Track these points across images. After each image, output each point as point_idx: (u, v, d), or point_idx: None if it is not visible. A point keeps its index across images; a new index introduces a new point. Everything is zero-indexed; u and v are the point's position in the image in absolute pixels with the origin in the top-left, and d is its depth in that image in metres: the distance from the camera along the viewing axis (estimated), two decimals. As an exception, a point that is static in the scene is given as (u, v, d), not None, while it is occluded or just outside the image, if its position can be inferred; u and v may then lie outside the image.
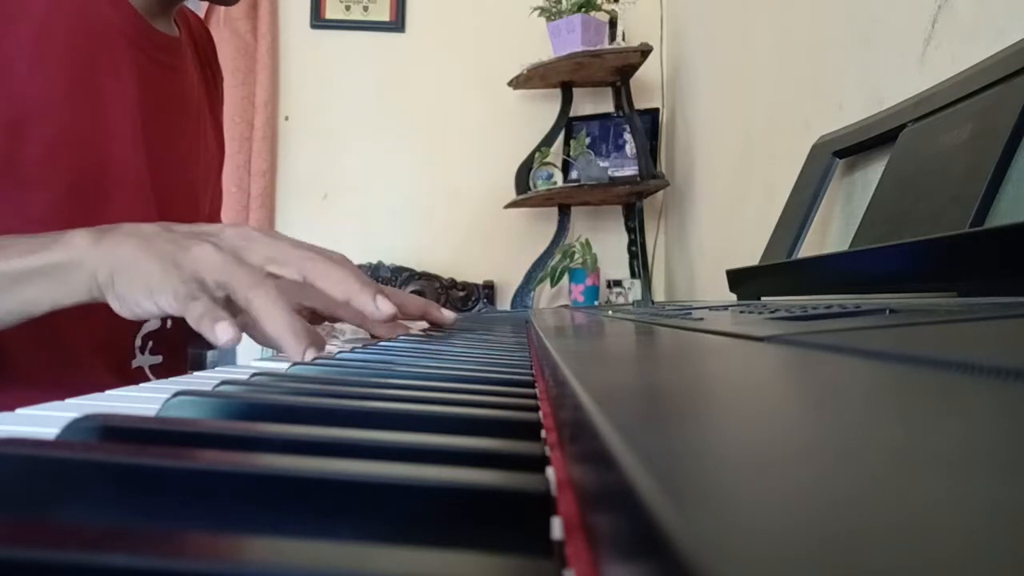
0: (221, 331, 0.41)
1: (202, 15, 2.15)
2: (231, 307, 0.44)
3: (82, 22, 0.59)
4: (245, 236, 0.47)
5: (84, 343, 0.60)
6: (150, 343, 0.68)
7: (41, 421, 0.23)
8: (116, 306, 0.45)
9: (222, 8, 2.15)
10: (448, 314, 0.76)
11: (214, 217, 0.85)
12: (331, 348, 0.58)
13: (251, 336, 0.57)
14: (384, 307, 0.48)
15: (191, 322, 0.42)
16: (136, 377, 0.66)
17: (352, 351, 0.50)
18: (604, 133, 2.12)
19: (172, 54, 0.70)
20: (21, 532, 0.11)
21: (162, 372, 0.69)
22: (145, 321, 0.66)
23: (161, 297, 0.43)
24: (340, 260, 0.49)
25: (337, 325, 0.85)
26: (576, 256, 2.04)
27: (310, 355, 0.43)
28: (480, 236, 2.27)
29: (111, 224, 0.47)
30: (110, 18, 0.62)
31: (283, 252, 0.47)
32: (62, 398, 0.29)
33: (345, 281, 0.47)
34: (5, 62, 0.54)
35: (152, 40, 0.66)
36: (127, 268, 0.44)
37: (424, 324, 0.79)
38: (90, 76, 0.59)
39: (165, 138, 0.68)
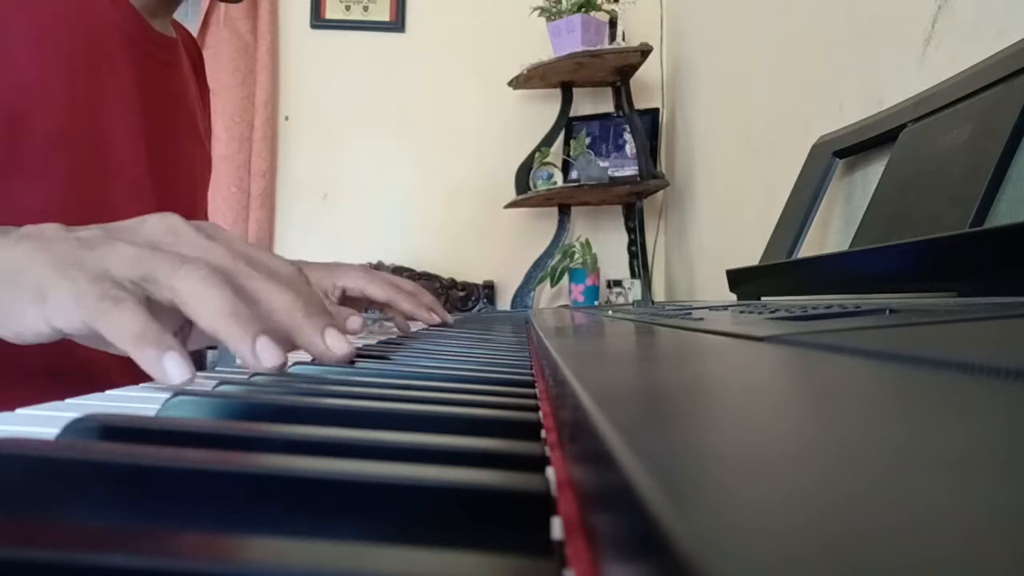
0: (171, 364, 0.30)
1: (202, 15, 2.15)
2: (163, 316, 0.33)
3: (81, 18, 0.60)
4: (171, 229, 0.36)
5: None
6: None
7: (41, 421, 0.23)
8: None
9: (222, 8, 2.15)
10: (437, 318, 0.80)
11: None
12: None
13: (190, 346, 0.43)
14: (336, 345, 0.36)
15: (113, 338, 0.31)
16: (142, 373, 0.66)
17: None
18: (604, 133, 2.12)
19: (170, 53, 0.70)
20: (21, 532, 0.11)
21: None
22: None
23: (53, 305, 0.32)
24: (290, 277, 0.37)
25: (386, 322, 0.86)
26: (576, 256, 2.04)
27: (267, 355, 0.32)
28: (480, 236, 2.27)
29: (111, 212, 0.40)
30: (109, 15, 0.62)
31: (216, 254, 0.35)
32: (71, 395, 0.29)
33: (290, 308, 0.35)
34: (6, 55, 0.54)
35: (150, 38, 0.67)
36: (7, 276, 0.33)
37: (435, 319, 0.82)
38: (89, 70, 0.60)
39: (164, 133, 0.69)
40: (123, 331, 0.31)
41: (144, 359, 0.31)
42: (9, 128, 0.54)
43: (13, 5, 0.55)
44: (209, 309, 0.32)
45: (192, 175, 0.76)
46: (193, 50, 0.81)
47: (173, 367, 0.30)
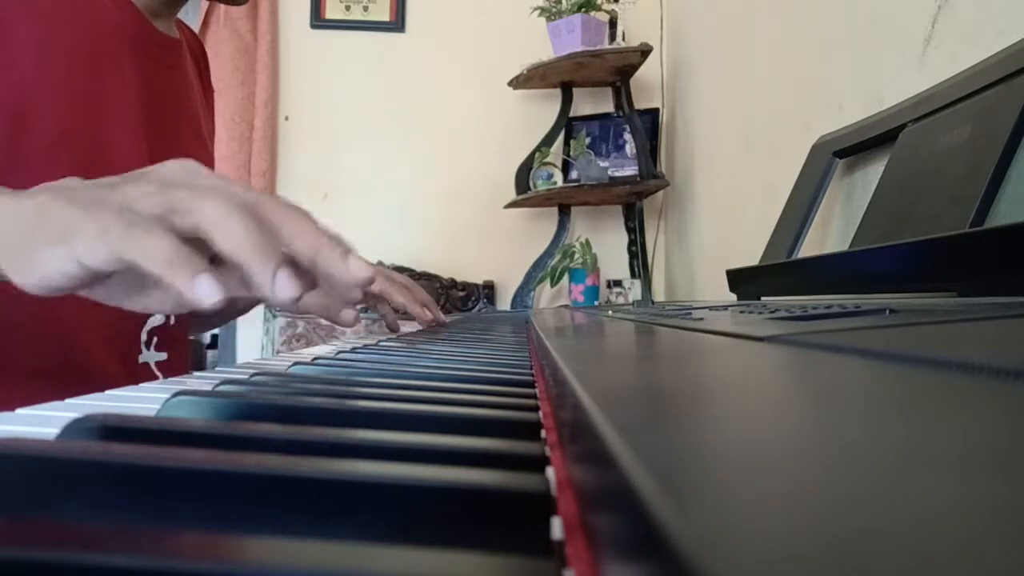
0: (204, 287, 0.30)
1: (202, 15, 2.15)
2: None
3: (85, 19, 0.60)
4: (188, 169, 0.36)
5: (90, 337, 0.61)
6: (155, 339, 0.68)
7: (41, 421, 0.23)
8: (19, 279, 0.34)
9: (222, 8, 2.15)
10: (430, 316, 0.82)
11: None
12: (329, 348, 0.58)
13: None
14: (357, 268, 0.35)
15: (145, 263, 0.31)
16: (143, 372, 0.66)
17: (352, 351, 0.50)
18: (604, 133, 2.12)
19: (173, 54, 0.71)
20: (21, 532, 0.11)
21: (167, 368, 0.69)
22: (150, 315, 0.65)
23: (80, 242, 0.31)
24: (304, 212, 0.37)
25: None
26: (576, 256, 2.04)
27: (285, 285, 0.32)
28: (480, 236, 2.27)
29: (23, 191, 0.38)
30: (112, 16, 0.63)
31: (236, 187, 0.35)
32: (71, 394, 0.29)
33: (311, 233, 0.35)
34: (11, 56, 0.54)
35: (153, 39, 0.67)
36: (29, 225, 0.33)
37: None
38: (92, 71, 0.60)
39: (166, 134, 0.69)
40: (154, 255, 0.30)
41: (177, 281, 0.30)
42: (12, 128, 0.54)
43: (16, 5, 0.55)
44: (233, 235, 0.32)
45: None
46: (198, 51, 0.82)
47: (205, 288, 0.30)
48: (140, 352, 0.67)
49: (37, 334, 0.56)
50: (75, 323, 0.58)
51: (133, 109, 0.64)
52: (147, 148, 0.65)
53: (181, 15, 0.75)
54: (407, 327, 0.84)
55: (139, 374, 0.65)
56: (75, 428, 0.19)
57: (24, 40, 0.55)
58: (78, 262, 0.32)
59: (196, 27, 2.14)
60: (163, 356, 0.69)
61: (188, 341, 0.75)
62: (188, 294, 0.30)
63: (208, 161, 0.79)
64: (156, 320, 0.68)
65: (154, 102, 0.66)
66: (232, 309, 0.76)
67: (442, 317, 0.86)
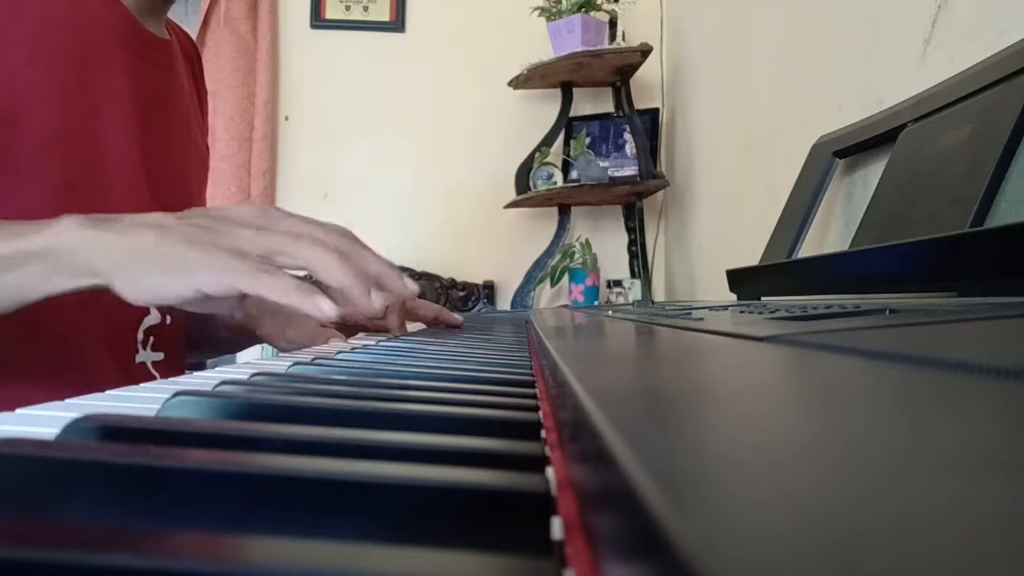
0: (326, 306, 0.42)
1: (202, 15, 2.15)
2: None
3: (75, 19, 0.61)
4: (262, 213, 0.47)
5: (86, 337, 0.61)
6: (151, 339, 0.68)
7: (41, 421, 0.23)
8: (130, 292, 0.43)
9: (222, 8, 2.15)
10: (458, 317, 0.89)
11: None
12: (330, 348, 0.58)
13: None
14: (406, 285, 0.50)
15: (275, 296, 0.41)
16: (140, 372, 0.67)
17: (352, 351, 0.50)
18: (604, 133, 2.12)
19: (163, 54, 0.71)
20: (21, 532, 0.11)
21: (163, 368, 0.70)
22: (146, 315, 0.67)
23: (204, 275, 0.42)
24: (354, 238, 0.49)
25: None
26: (576, 256, 2.04)
27: (378, 300, 0.45)
28: (480, 236, 2.27)
29: (106, 213, 0.45)
30: (102, 17, 0.63)
31: (308, 229, 0.47)
32: (68, 394, 0.29)
33: (377, 263, 0.48)
34: (2, 56, 0.55)
35: (143, 39, 0.68)
36: (147, 255, 0.43)
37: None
38: (83, 72, 0.61)
39: (158, 134, 0.69)
40: (282, 289, 0.42)
41: (305, 303, 0.42)
42: (5, 127, 0.54)
43: (7, 7, 0.56)
44: (333, 271, 0.44)
45: (187, 175, 0.76)
46: (191, 51, 0.82)
47: (327, 306, 0.42)
48: (137, 352, 0.67)
49: (32, 336, 0.56)
50: (69, 324, 0.58)
51: (124, 109, 0.64)
52: (139, 148, 0.66)
53: (180, 15, 0.75)
54: (409, 327, 0.84)
55: (136, 374, 0.65)
56: (75, 428, 0.19)
57: (14, 40, 0.56)
58: (197, 289, 0.42)
59: (196, 27, 2.14)
60: (160, 356, 0.70)
61: (183, 341, 0.75)
62: (317, 313, 0.42)
63: (198, 161, 0.80)
64: (152, 320, 0.68)
65: (145, 102, 0.67)
66: (245, 339, 0.84)
67: (455, 319, 0.90)
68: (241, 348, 0.88)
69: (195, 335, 0.78)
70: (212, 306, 0.45)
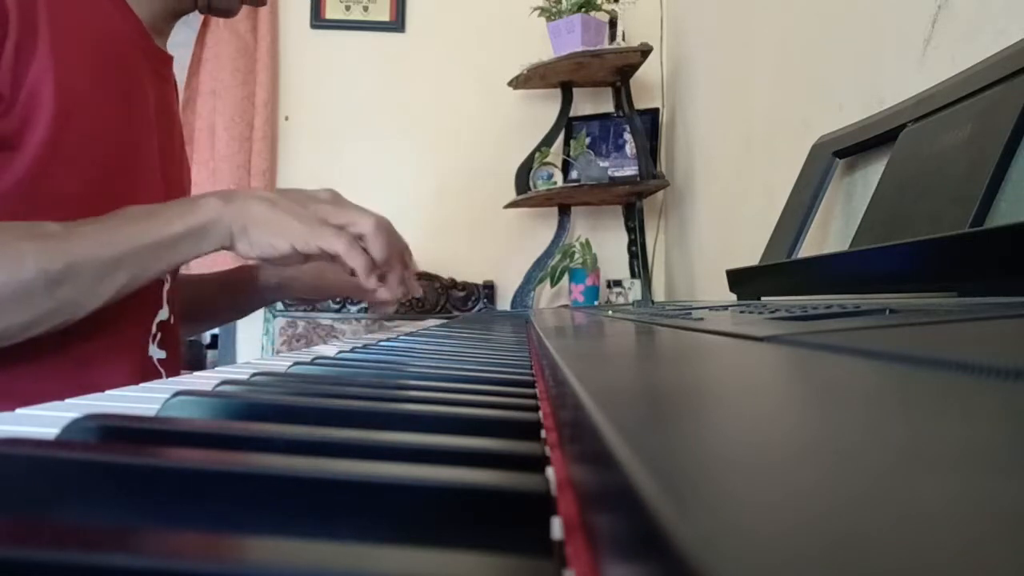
0: (381, 291, 0.64)
1: (202, 16, 2.15)
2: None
3: (112, 34, 0.70)
4: (335, 197, 0.67)
5: (105, 328, 0.64)
6: (159, 335, 0.73)
7: (41, 421, 0.23)
8: (246, 250, 0.59)
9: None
10: (385, 295, 0.70)
11: None
12: (330, 349, 0.58)
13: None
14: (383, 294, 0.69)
15: (354, 265, 0.61)
16: (151, 367, 0.73)
17: (352, 351, 0.50)
18: (604, 133, 2.12)
19: (168, 69, 0.80)
20: (21, 532, 0.11)
21: (166, 367, 0.74)
22: (159, 309, 0.74)
23: (297, 235, 0.59)
24: (392, 226, 0.68)
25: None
26: (576, 256, 2.04)
27: (416, 288, 0.66)
28: (480, 236, 2.27)
29: (229, 190, 0.59)
30: (127, 32, 0.73)
31: (367, 213, 0.66)
32: (72, 394, 0.29)
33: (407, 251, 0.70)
34: (63, 60, 0.63)
35: (156, 54, 0.76)
36: (262, 221, 0.59)
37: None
38: (120, 80, 0.70)
39: (166, 136, 0.77)
40: (359, 263, 0.62)
41: (357, 263, 0.61)
42: (59, 122, 0.61)
43: (67, 26, 0.64)
44: (381, 246, 0.64)
45: (185, 175, 0.85)
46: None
47: (382, 292, 0.67)
48: (149, 346, 0.72)
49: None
50: (93, 316, 0.60)
51: (148, 113, 0.73)
52: (158, 146, 0.74)
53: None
54: (409, 326, 0.84)
55: (148, 367, 0.72)
56: (75, 428, 0.19)
57: (72, 51, 0.63)
58: (292, 246, 0.59)
59: (196, 27, 2.14)
60: (163, 354, 0.74)
61: (181, 343, 0.81)
62: (362, 274, 0.62)
63: (187, 169, 0.89)
64: (163, 315, 0.74)
65: (158, 111, 0.75)
66: (233, 309, 0.98)
67: (413, 290, 0.75)
68: (253, 311, 1.00)
69: (197, 310, 0.88)
70: (292, 260, 0.60)
